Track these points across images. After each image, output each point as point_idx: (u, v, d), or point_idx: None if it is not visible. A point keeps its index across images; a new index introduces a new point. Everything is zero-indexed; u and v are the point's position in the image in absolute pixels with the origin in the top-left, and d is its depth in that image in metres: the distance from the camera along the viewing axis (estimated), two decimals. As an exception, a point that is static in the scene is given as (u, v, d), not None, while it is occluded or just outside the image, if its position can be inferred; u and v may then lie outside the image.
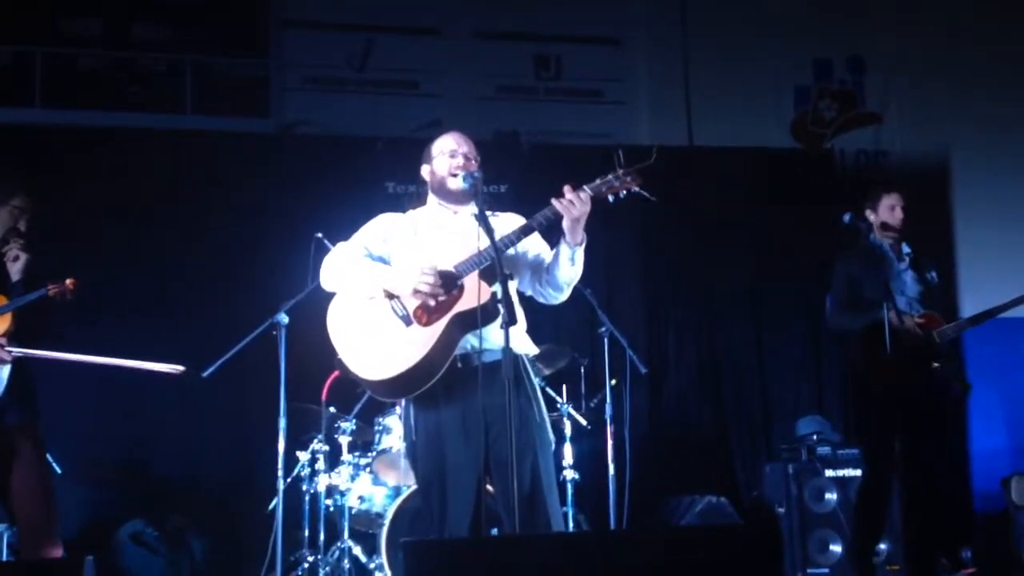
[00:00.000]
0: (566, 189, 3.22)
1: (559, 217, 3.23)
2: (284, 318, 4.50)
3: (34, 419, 4.16)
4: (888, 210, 4.72)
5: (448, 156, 3.47)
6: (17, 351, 3.99)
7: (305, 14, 6.79)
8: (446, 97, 6.90)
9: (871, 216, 4.75)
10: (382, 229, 3.48)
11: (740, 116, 7.07)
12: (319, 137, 6.51)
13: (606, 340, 5.05)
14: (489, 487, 3.36)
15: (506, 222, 3.45)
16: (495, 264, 3.13)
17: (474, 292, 3.20)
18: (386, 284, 3.29)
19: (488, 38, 7.07)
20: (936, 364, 4.53)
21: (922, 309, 4.65)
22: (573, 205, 3.19)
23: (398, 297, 3.29)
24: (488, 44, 7.06)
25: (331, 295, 3.45)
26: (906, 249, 4.77)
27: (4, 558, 4.62)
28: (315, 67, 6.76)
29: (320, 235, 4.47)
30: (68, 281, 4.04)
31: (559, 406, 5.30)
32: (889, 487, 4.61)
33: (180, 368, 4.12)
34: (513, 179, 6.21)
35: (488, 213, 3.29)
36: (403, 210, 3.59)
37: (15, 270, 4.14)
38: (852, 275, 4.68)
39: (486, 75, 7.03)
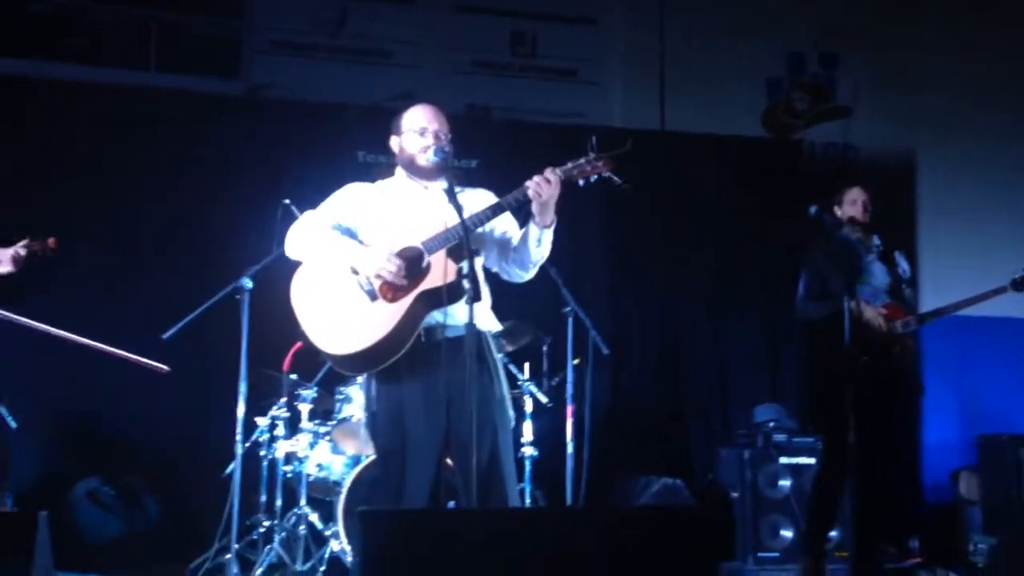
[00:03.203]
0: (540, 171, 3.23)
1: (529, 198, 3.24)
2: (248, 283, 4.48)
3: None
4: (851, 204, 4.82)
5: (418, 134, 3.45)
6: None
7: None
8: (420, 69, 6.83)
9: (837, 211, 4.84)
10: (350, 199, 3.47)
11: (713, 103, 7.08)
12: (289, 101, 6.41)
13: (570, 319, 5.09)
14: (448, 461, 3.37)
15: (475, 198, 3.45)
16: (463, 242, 3.13)
17: (441, 270, 3.20)
18: (352, 262, 3.29)
19: (465, 11, 7.01)
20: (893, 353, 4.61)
21: (888, 300, 4.74)
22: (542, 187, 3.21)
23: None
24: (465, 17, 7.00)
25: (296, 262, 3.44)
26: (876, 241, 4.88)
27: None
28: (288, 31, 6.66)
29: (287, 201, 4.40)
30: (50, 240, 3.93)
31: (521, 383, 5.32)
32: (843, 476, 4.68)
33: (164, 368, 4.09)
34: (484, 154, 6.20)
35: (457, 189, 3.28)
36: (372, 179, 3.57)
37: None
38: (820, 267, 4.78)
39: (461, 49, 6.97)
